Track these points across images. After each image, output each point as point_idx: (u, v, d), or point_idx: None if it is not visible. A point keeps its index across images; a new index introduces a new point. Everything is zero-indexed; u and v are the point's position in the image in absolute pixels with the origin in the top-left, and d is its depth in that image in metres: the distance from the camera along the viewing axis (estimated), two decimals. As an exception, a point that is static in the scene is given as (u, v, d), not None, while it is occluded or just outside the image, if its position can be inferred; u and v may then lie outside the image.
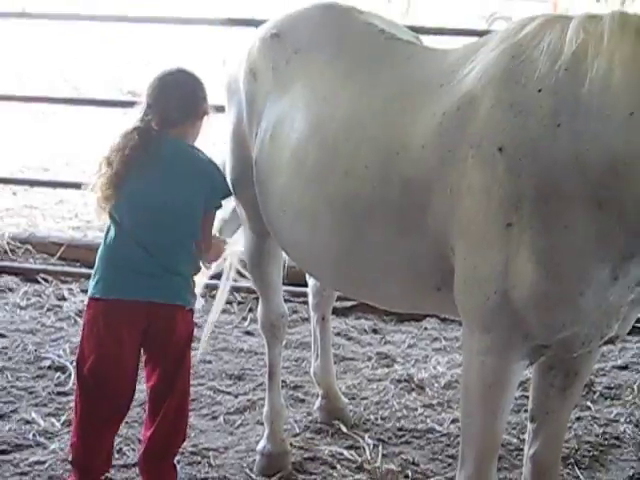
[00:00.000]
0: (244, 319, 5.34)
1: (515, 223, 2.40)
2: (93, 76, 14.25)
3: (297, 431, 4.06)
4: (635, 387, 4.55)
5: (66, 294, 5.61)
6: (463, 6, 22.76)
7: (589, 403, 4.36)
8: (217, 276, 4.25)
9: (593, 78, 2.28)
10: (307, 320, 4.91)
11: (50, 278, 5.84)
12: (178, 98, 3.27)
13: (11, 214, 7.61)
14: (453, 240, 2.59)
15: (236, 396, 4.38)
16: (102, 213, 3.23)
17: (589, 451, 3.92)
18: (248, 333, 5.15)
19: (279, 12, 3.57)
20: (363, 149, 2.84)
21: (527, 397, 3.20)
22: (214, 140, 3.71)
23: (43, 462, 3.67)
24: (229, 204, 3.65)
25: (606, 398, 4.46)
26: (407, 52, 3.06)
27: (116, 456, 3.62)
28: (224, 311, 4.18)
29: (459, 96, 2.60)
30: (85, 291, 3.36)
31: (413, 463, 3.79)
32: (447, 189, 2.57)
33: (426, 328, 5.32)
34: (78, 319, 4.99)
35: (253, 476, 3.67)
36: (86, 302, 3.28)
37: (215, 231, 3.50)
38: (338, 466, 3.75)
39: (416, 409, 4.28)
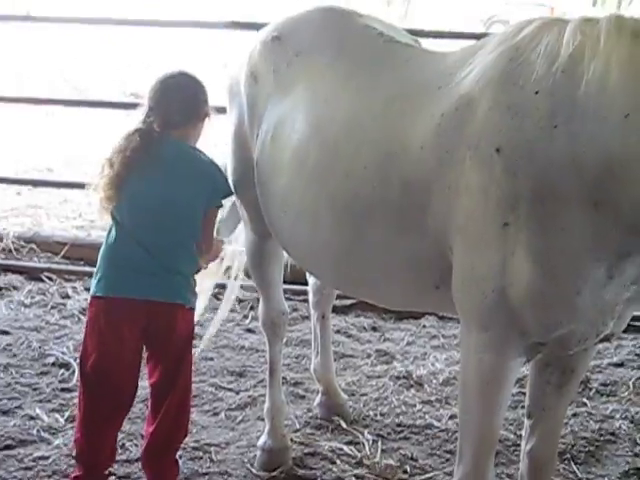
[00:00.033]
0: (245, 317, 5.34)
1: (512, 223, 2.40)
2: (96, 78, 14.25)
3: (297, 427, 4.07)
4: (630, 384, 4.56)
5: (70, 292, 5.62)
6: (461, 10, 22.76)
7: (585, 400, 4.36)
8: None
9: (590, 80, 2.28)
10: (307, 318, 4.91)
11: (54, 276, 5.85)
12: (180, 100, 3.27)
13: (16, 214, 7.62)
14: (451, 239, 2.59)
15: (237, 392, 4.39)
16: (105, 213, 3.24)
17: (585, 447, 3.92)
18: (249, 331, 5.16)
19: (280, 15, 3.57)
20: (363, 150, 2.85)
21: (524, 394, 3.20)
22: (215, 141, 3.71)
23: (47, 457, 3.68)
24: (226, 204, 3.65)
25: (602, 395, 4.47)
26: (406, 55, 3.06)
27: (119, 451, 3.62)
28: (218, 309, 4.18)
29: (457, 98, 2.60)
30: (88, 289, 3.37)
31: (412, 458, 3.79)
32: (446, 189, 2.57)
33: (425, 326, 5.33)
34: (82, 317, 4.99)
35: (254, 471, 3.68)
36: (89, 300, 3.30)
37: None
38: (338, 461, 3.75)
39: (415, 405, 4.28)
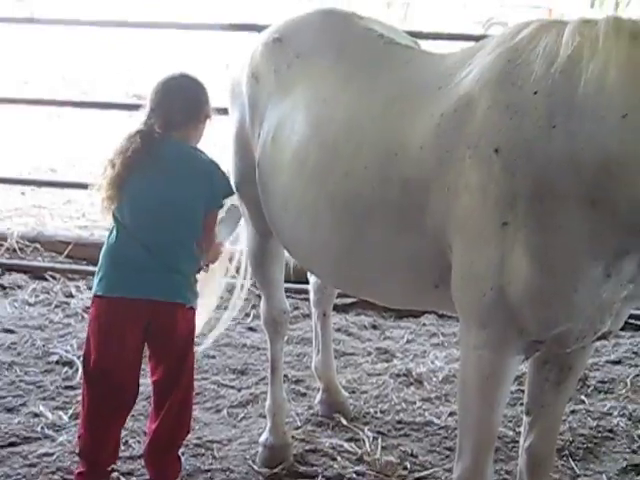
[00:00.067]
0: (247, 315, 5.33)
1: (510, 221, 2.40)
2: (99, 80, 14.26)
3: (298, 424, 4.06)
4: (628, 381, 4.55)
5: (73, 291, 5.62)
6: (460, 12, 22.75)
7: (583, 397, 4.36)
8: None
9: (588, 80, 2.28)
10: (308, 316, 4.91)
11: (58, 276, 5.85)
12: (181, 101, 3.28)
13: (20, 214, 7.63)
14: (451, 238, 2.59)
15: (239, 390, 4.39)
16: (107, 213, 3.24)
17: (583, 443, 3.92)
18: (251, 329, 5.16)
19: (281, 17, 3.57)
20: (363, 150, 2.84)
21: (523, 391, 3.20)
22: (216, 142, 3.71)
23: (51, 454, 3.68)
24: (223, 208, 3.65)
25: (600, 392, 4.46)
26: (406, 56, 3.06)
27: (122, 448, 3.62)
28: (228, 308, 4.17)
29: (456, 98, 2.60)
30: (92, 288, 3.37)
31: (412, 455, 3.79)
32: (445, 188, 2.57)
33: (424, 324, 5.33)
34: (85, 315, 4.99)
35: (256, 468, 3.67)
36: (91, 299, 3.30)
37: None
38: (338, 458, 3.75)
39: (414, 402, 4.28)
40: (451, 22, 19.33)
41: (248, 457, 3.75)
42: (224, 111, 3.63)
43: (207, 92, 3.36)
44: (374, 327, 5.30)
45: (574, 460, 3.80)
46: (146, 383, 3.49)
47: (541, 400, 2.95)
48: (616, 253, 2.35)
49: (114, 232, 3.23)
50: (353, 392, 4.38)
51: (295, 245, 3.32)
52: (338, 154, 2.92)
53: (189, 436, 3.57)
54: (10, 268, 5.95)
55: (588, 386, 4.48)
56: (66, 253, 6.21)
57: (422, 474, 3.65)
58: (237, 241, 3.94)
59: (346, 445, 3.85)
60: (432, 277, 2.76)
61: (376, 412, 4.19)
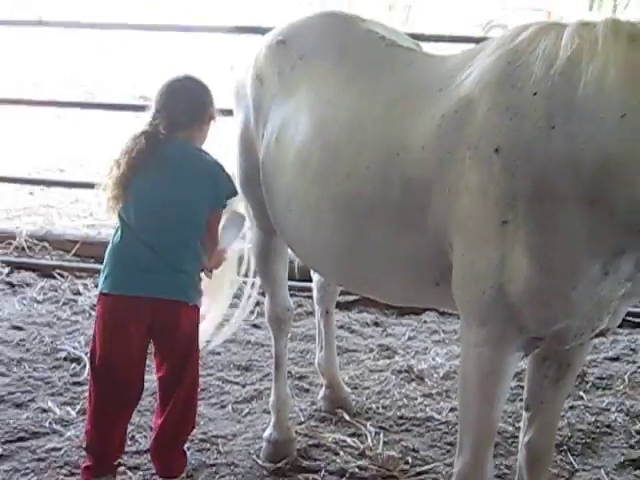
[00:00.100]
0: (251, 312, 5.31)
1: (510, 221, 2.40)
2: (106, 81, 14.27)
3: (302, 419, 4.07)
4: (626, 378, 4.55)
5: (81, 289, 5.63)
6: (461, 14, 22.73)
7: (582, 393, 4.36)
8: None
9: (587, 82, 2.27)
10: (312, 314, 4.91)
11: (66, 274, 5.85)
12: (186, 103, 3.27)
13: (28, 213, 7.64)
14: (451, 237, 2.59)
15: (244, 386, 4.39)
16: (112, 212, 3.25)
17: (582, 438, 3.92)
18: (255, 326, 5.15)
19: (285, 20, 3.57)
20: (365, 151, 2.84)
21: (522, 387, 3.20)
22: (221, 143, 3.70)
23: (59, 449, 3.68)
24: (225, 214, 3.63)
25: (598, 388, 4.46)
26: (407, 58, 3.05)
27: (129, 443, 3.63)
28: (232, 305, 4.17)
29: (457, 100, 2.59)
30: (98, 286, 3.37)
31: (413, 450, 3.79)
32: (446, 188, 2.56)
33: (425, 321, 5.32)
34: (92, 312, 4.99)
35: (260, 462, 3.68)
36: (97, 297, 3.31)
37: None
38: (341, 453, 3.75)
39: (416, 398, 4.28)
40: (452, 25, 19.30)
41: (252, 452, 3.75)
42: (229, 112, 3.63)
43: (211, 94, 3.36)
44: (376, 324, 5.30)
45: (573, 455, 3.79)
46: (152, 379, 3.49)
47: (540, 396, 2.95)
48: (614, 252, 2.34)
49: (119, 231, 3.23)
50: (355, 388, 4.38)
51: (298, 244, 3.32)
52: (340, 154, 2.92)
53: (194, 431, 3.57)
54: (19, 266, 5.96)
55: (586, 382, 4.48)
56: (74, 251, 6.22)
57: (423, 468, 3.65)
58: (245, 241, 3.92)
59: (349, 440, 3.85)
60: (433, 275, 2.76)
61: (378, 408, 4.19)
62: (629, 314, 4.71)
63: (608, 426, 4.05)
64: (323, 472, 3.61)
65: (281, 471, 3.62)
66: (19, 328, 4.95)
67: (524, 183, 2.36)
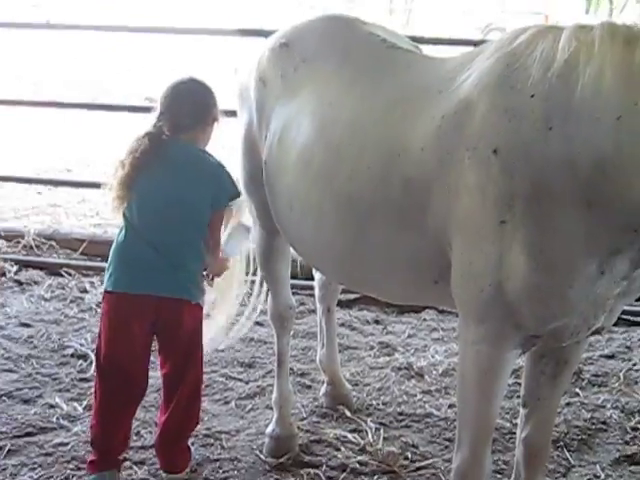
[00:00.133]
0: (254, 310, 5.33)
1: (508, 220, 2.39)
2: (112, 82, 14.26)
3: (304, 415, 4.06)
4: (621, 375, 4.54)
5: (88, 287, 5.63)
6: (460, 18, 22.71)
7: (578, 390, 4.35)
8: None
9: (584, 84, 2.27)
10: (313, 312, 4.91)
11: (73, 272, 5.85)
12: (189, 105, 3.28)
13: (36, 212, 7.65)
14: (451, 236, 2.58)
15: (247, 383, 4.39)
16: (117, 212, 3.25)
17: (578, 435, 3.92)
18: (258, 324, 5.11)
19: (287, 23, 3.56)
20: (366, 151, 2.84)
21: (519, 384, 3.20)
22: (225, 144, 3.70)
23: (66, 444, 3.68)
24: (229, 224, 3.63)
25: (594, 385, 4.45)
26: (407, 60, 3.05)
27: (134, 438, 3.64)
28: (248, 307, 4.17)
29: (456, 101, 2.59)
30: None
31: (413, 445, 3.79)
32: (445, 189, 2.56)
33: (425, 319, 5.32)
34: (99, 310, 4.92)
35: (262, 457, 3.68)
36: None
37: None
38: (342, 448, 3.75)
39: (415, 395, 4.28)
40: (451, 28, 19.29)
41: (255, 447, 3.75)
42: (232, 114, 3.62)
43: (215, 96, 3.36)
44: (377, 322, 5.30)
45: (569, 451, 3.79)
46: (157, 376, 3.49)
47: (537, 393, 2.95)
48: (610, 251, 2.34)
49: (123, 231, 3.24)
50: (356, 385, 4.38)
51: (300, 243, 3.31)
52: (342, 155, 2.91)
53: (198, 427, 3.57)
54: (27, 264, 5.96)
55: (583, 379, 4.47)
56: (81, 250, 6.23)
57: (422, 464, 3.65)
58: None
59: (349, 436, 3.85)
60: (432, 274, 2.76)
61: (378, 404, 4.18)
62: (624, 312, 4.70)
63: (604, 423, 4.04)
64: (324, 467, 3.61)
65: (283, 466, 3.62)
66: (27, 325, 4.95)
67: (522, 183, 2.36)
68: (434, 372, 4.53)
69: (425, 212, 2.64)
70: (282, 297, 3.80)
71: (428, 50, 3.53)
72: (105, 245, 5.83)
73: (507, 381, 2.72)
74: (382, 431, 3.90)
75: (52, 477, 3.44)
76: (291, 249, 3.62)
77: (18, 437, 3.73)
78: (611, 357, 4.80)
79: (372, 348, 4.87)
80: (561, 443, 3.83)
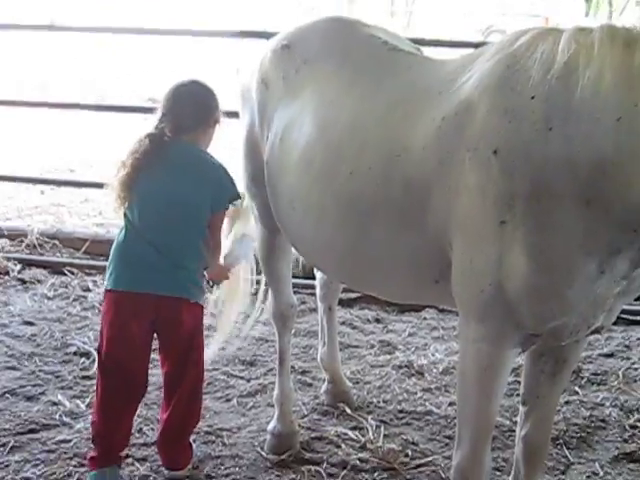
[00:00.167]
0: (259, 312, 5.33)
1: (509, 220, 2.40)
2: (115, 83, 14.27)
3: (305, 413, 4.07)
4: (620, 373, 4.54)
5: (90, 285, 5.63)
6: (460, 20, 22.70)
7: (577, 388, 4.36)
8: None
9: (584, 85, 2.27)
10: (315, 310, 4.91)
11: (76, 271, 5.86)
12: (191, 107, 3.28)
13: (40, 211, 7.66)
14: (451, 236, 2.58)
15: (248, 380, 4.39)
16: (119, 212, 3.26)
17: (577, 432, 3.92)
18: (260, 322, 5.15)
19: (289, 25, 3.57)
20: (367, 151, 2.84)
21: (519, 382, 3.20)
22: (226, 145, 3.71)
23: (69, 441, 3.69)
24: (240, 229, 3.62)
25: (593, 384, 4.45)
26: (408, 62, 3.05)
27: (137, 435, 3.65)
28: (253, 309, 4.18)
29: (457, 102, 2.59)
30: (104, 282, 3.38)
31: (413, 443, 3.79)
32: (446, 189, 2.56)
33: (425, 318, 5.32)
34: (101, 308, 5.00)
35: (264, 454, 3.68)
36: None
37: (223, 253, 3.47)
38: (343, 445, 3.75)
39: (416, 393, 4.28)
40: (452, 30, 19.28)
41: (256, 444, 3.76)
42: (234, 115, 3.63)
43: (217, 98, 3.36)
44: (377, 321, 5.30)
45: (568, 449, 3.79)
46: (159, 373, 3.49)
47: (537, 391, 2.95)
48: (610, 251, 2.34)
49: (124, 230, 3.24)
50: (357, 383, 4.38)
51: (302, 242, 3.32)
52: (343, 155, 2.91)
53: (200, 424, 3.58)
54: (30, 263, 5.97)
55: (582, 378, 4.47)
56: (83, 249, 6.25)
57: (422, 461, 3.65)
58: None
59: (350, 433, 3.85)
60: (432, 273, 2.76)
61: (379, 402, 4.19)
62: (624, 312, 4.70)
63: (603, 420, 4.05)
64: (325, 464, 3.61)
65: (284, 463, 3.62)
66: (30, 323, 4.96)
67: (522, 183, 2.36)
68: (434, 370, 4.53)
69: (425, 211, 2.64)
70: (283, 296, 3.80)
71: (429, 52, 3.53)
72: (107, 244, 5.80)
73: (507, 379, 2.72)
74: (382, 428, 3.90)
75: (55, 473, 3.45)
76: (292, 248, 3.63)
77: (21, 434, 3.73)
78: (610, 356, 4.81)
79: (373, 346, 4.87)
80: (560, 441, 3.83)
